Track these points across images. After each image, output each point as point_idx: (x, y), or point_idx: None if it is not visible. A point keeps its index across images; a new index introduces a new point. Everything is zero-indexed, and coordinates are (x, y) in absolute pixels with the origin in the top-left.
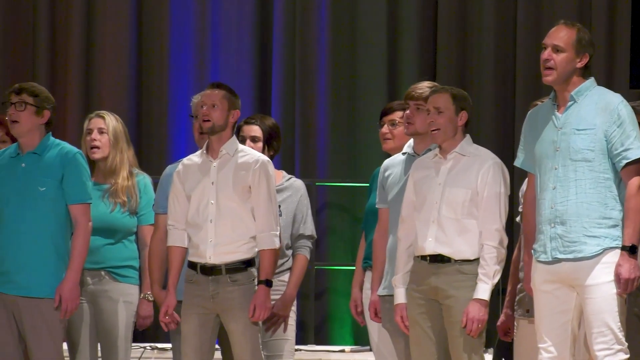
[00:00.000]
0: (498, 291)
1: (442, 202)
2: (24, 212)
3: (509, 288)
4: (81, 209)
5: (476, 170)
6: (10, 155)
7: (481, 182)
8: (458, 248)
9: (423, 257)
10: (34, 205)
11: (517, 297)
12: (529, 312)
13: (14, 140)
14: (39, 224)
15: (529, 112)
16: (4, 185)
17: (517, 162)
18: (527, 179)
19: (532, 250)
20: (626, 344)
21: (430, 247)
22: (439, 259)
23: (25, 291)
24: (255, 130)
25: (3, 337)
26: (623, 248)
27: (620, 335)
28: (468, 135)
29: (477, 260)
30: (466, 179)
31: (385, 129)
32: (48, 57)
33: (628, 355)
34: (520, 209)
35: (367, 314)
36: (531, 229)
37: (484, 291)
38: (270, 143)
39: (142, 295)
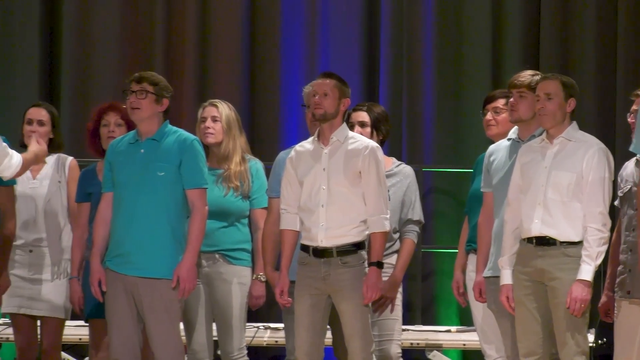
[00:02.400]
0: (600, 273)
1: (548, 185)
2: (142, 196)
3: (609, 270)
4: (198, 193)
5: (582, 155)
6: (129, 142)
7: (586, 166)
8: (563, 230)
9: (529, 240)
10: (152, 190)
11: (618, 279)
12: (629, 294)
13: (128, 123)
14: (157, 208)
15: None
16: (123, 170)
17: (632, 147)
18: (625, 164)
19: None
20: None
21: (537, 228)
22: (544, 242)
23: (144, 272)
24: (363, 116)
25: (123, 316)
26: None
27: None
28: (574, 122)
29: (581, 242)
30: (572, 163)
31: (489, 116)
32: (164, 47)
33: None
34: (620, 193)
35: (470, 295)
36: None
37: (587, 272)
38: (378, 127)
39: (254, 276)
